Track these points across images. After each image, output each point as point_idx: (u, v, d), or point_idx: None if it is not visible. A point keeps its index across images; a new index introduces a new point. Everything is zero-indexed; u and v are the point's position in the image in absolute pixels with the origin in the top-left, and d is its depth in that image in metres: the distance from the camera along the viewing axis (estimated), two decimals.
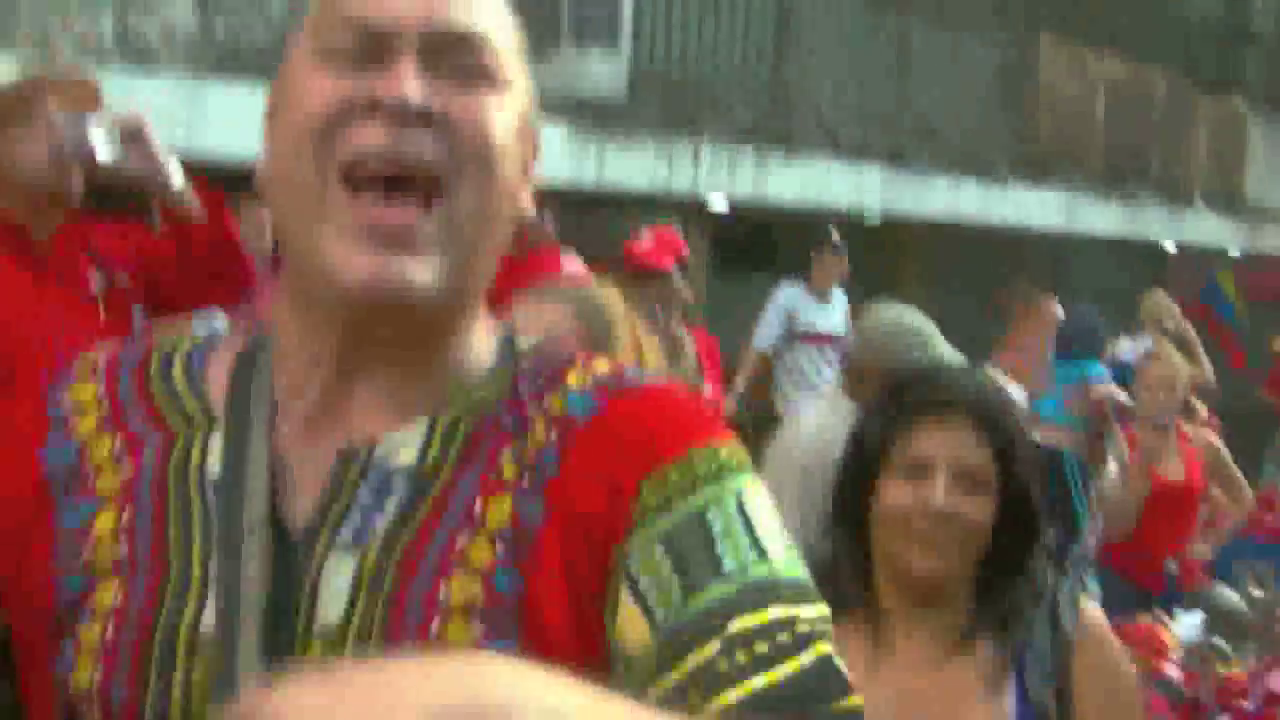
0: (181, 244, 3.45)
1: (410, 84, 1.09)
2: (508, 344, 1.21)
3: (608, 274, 5.01)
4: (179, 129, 6.85)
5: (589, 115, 8.92)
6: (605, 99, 9.13)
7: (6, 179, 3.33)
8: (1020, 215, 12.88)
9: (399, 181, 1.09)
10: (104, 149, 3.14)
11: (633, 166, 9.31)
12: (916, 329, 4.14)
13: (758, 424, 8.64)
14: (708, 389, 5.45)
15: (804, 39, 10.91)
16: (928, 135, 11.96)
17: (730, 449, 1.15)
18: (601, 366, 1.21)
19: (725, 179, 10.04)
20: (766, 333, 8.69)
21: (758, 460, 4.15)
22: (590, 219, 9.23)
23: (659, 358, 2.80)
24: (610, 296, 2.72)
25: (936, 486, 2.22)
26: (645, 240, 5.71)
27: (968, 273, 12.38)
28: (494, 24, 1.16)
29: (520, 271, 4.67)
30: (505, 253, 1.20)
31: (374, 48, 1.11)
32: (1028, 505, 2.27)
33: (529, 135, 1.20)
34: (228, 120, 6.88)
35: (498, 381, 1.18)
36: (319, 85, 1.12)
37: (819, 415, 4.22)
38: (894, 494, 2.25)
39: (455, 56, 1.12)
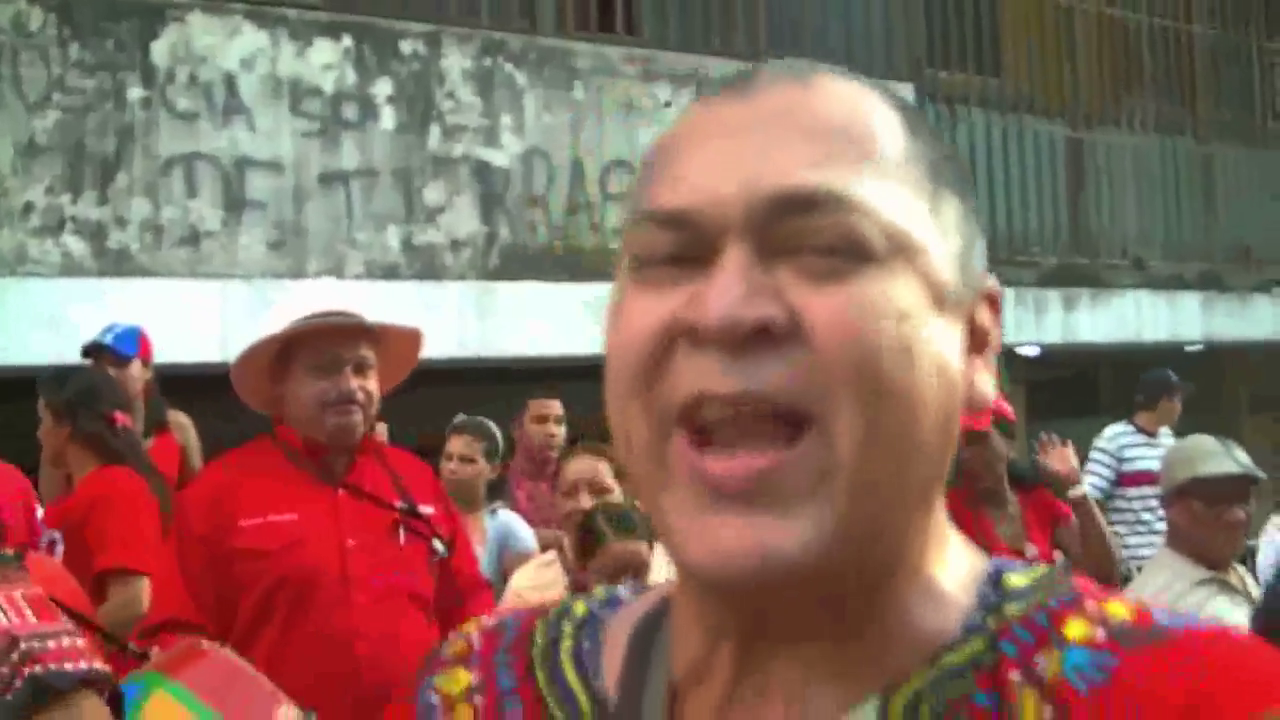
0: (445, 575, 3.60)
1: (726, 296, 0.80)
2: (992, 585, 0.90)
3: None
4: (470, 331, 7.06)
5: None
6: None
7: (296, 416, 3.48)
8: None
9: (759, 421, 0.81)
10: None
11: None
12: (1207, 446, 4.00)
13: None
14: (1033, 549, 5.21)
15: (1100, 172, 10.67)
16: (1242, 255, 11.50)
17: None
18: (1118, 610, 0.87)
19: (1033, 324, 9.79)
20: (1096, 477, 8.33)
21: None
22: None
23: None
24: None
25: None
26: None
27: None
28: (865, 171, 0.84)
29: None
30: (945, 467, 0.89)
31: (695, 241, 0.84)
32: None
33: (961, 300, 0.88)
34: (515, 320, 7.06)
35: (973, 641, 0.87)
36: (637, 309, 0.85)
37: (1154, 580, 4.00)
38: None
39: (805, 232, 0.82)
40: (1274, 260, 11.71)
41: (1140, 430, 8.31)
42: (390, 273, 7.04)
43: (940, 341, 0.85)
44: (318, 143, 6.95)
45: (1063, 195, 10.43)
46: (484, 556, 5.21)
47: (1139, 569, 5.27)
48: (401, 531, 3.52)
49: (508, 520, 5.68)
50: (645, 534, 3.70)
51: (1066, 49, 10.69)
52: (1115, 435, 8.34)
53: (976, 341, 0.90)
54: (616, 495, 4.09)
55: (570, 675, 0.97)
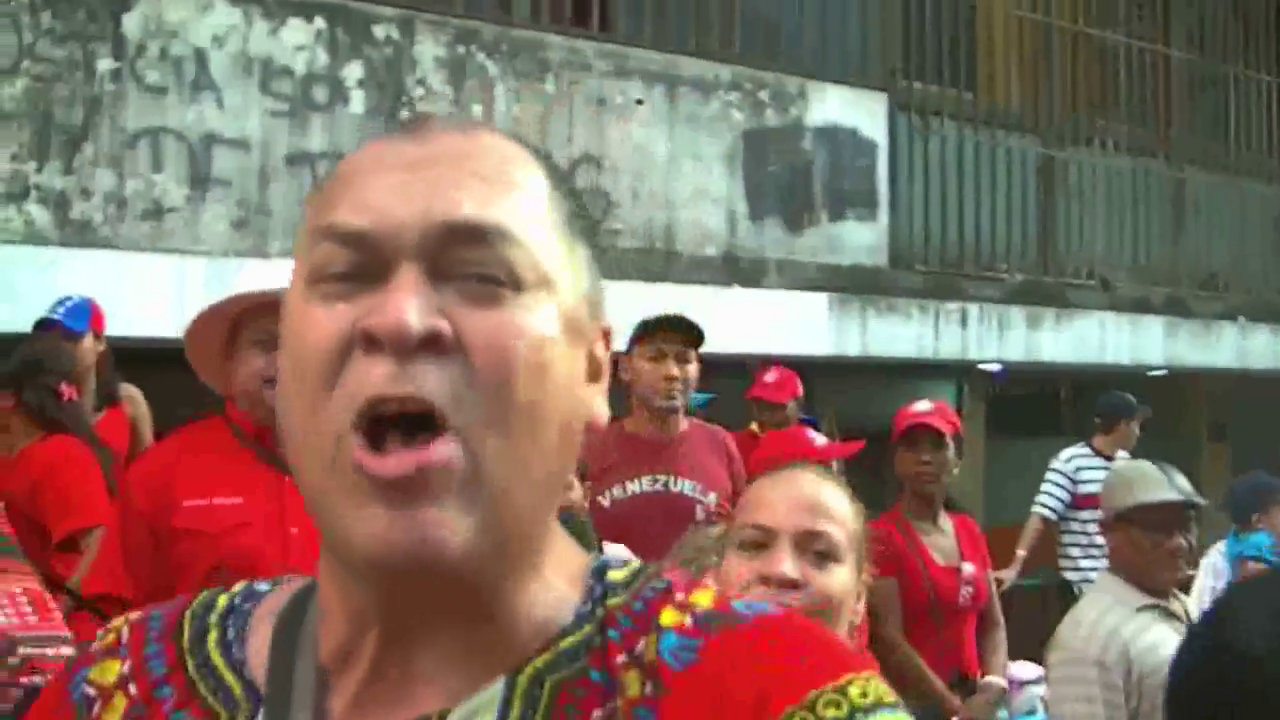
0: None
1: (403, 306, 0.91)
2: (598, 578, 1.03)
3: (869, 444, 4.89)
4: None
5: (850, 284, 8.86)
6: (866, 267, 9.06)
7: (239, 394, 3.44)
8: None
9: (424, 421, 0.91)
10: None
11: (897, 333, 9.18)
12: (1148, 472, 3.99)
13: (1045, 592, 8.35)
14: (970, 567, 5.21)
15: (1071, 191, 10.70)
16: (1209, 282, 11.55)
17: (864, 685, 0.94)
18: (703, 599, 1.01)
19: (996, 341, 9.82)
20: (1050, 499, 8.37)
21: (1049, 634, 3.99)
22: (856, 388, 9.13)
23: None
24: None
25: None
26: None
27: (1259, 423, 11.79)
28: (520, 213, 0.97)
29: (764, 452, 4.61)
30: (571, 470, 1.03)
31: (371, 260, 0.94)
32: None
33: (585, 333, 1.01)
34: None
35: (585, 627, 1.00)
36: (313, 321, 0.94)
37: (1096, 605, 4.00)
38: None
39: (468, 259, 0.94)
40: (1241, 288, 11.77)
41: (1097, 453, 8.35)
42: None
43: (569, 366, 0.99)
44: (286, 123, 6.91)
45: (1032, 213, 10.45)
46: None
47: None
48: None
49: None
50: (587, 543, 3.68)
51: (1043, 66, 10.72)
52: (1071, 457, 8.38)
53: (594, 371, 1.04)
54: (576, 492, 4.07)
55: (219, 663, 1.04)
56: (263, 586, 1.11)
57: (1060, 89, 10.82)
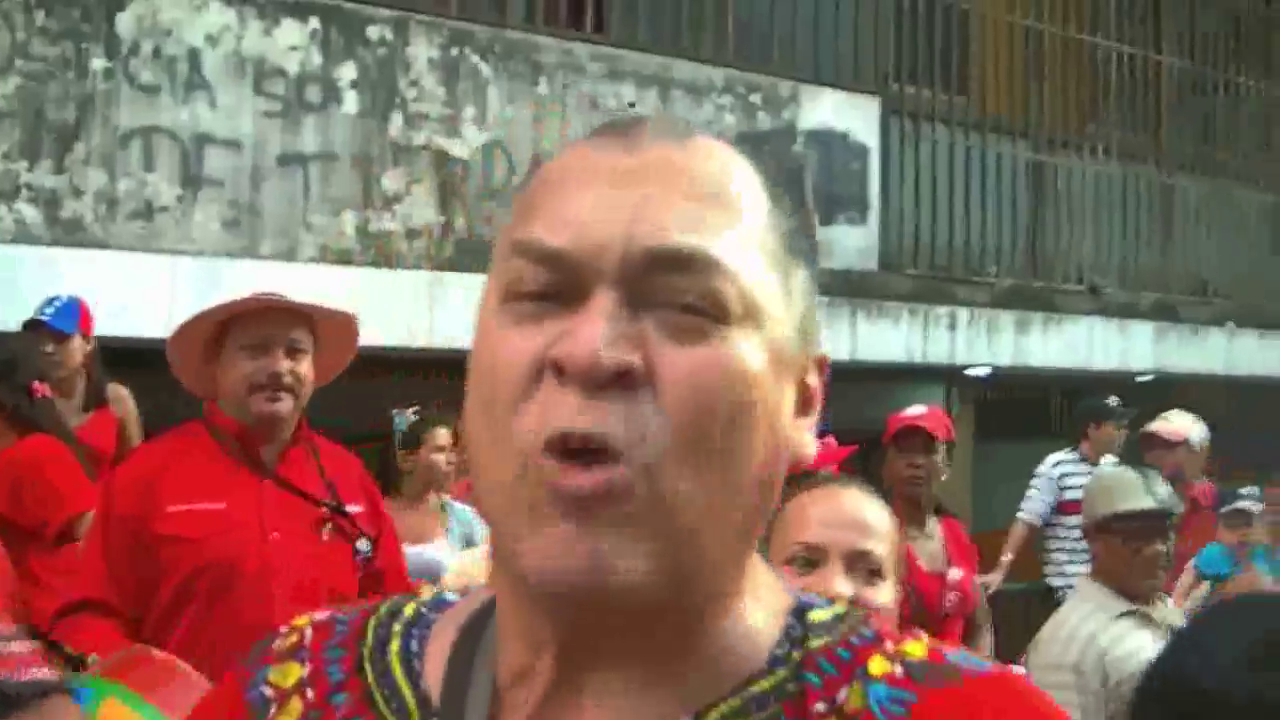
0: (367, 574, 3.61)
1: (595, 337, 0.85)
2: (798, 619, 0.96)
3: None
4: (420, 321, 7.06)
5: (840, 287, 8.88)
6: (856, 270, 9.08)
7: (225, 398, 3.46)
8: None
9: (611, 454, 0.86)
10: None
11: (886, 337, 9.20)
12: (1127, 479, 4.03)
13: (1029, 598, 8.37)
14: (957, 572, 5.22)
15: (1061, 196, 10.73)
16: (1198, 288, 11.58)
17: None
18: (915, 650, 0.93)
19: (985, 345, 9.84)
20: (1035, 504, 8.38)
21: (1029, 639, 4.02)
22: (845, 392, 9.14)
23: None
24: None
25: None
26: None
27: (1247, 429, 11.82)
28: (732, 239, 0.89)
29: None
30: (772, 505, 0.96)
31: (567, 281, 0.88)
32: None
33: (795, 363, 0.94)
34: (468, 311, 7.04)
35: (779, 671, 0.92)
36: (505, 341, 0.89)
37: (1077, 611, 4.03)
38: None
39: (671, 288, 0.87)
40: (1229, 295, 11.79)
41: (1083, 458, 8.36)
42: (344, 258, 7.02)
43: (774, 403, 0.92)
44: (278, 123, 6.91)
45: (1022, 217, 10.47)
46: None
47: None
48: (326, 529, 3.51)
49: (468, 513, 5.66)
50: None
51: (1034, 71, 10.74)
52: (1057, 463, 8.38)
53: (804, 403, 0.97)
54: None
55: (397, 673, 1.00)
56: (451, 596, 1.06)
57: (1051, 94, 10.83)
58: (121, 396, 5.70)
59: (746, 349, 0.89)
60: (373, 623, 1.04)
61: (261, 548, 3.39)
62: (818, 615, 0.96)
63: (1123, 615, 3.91)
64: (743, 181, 0.94)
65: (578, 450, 0.86)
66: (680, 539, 0.87)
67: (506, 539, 0.89)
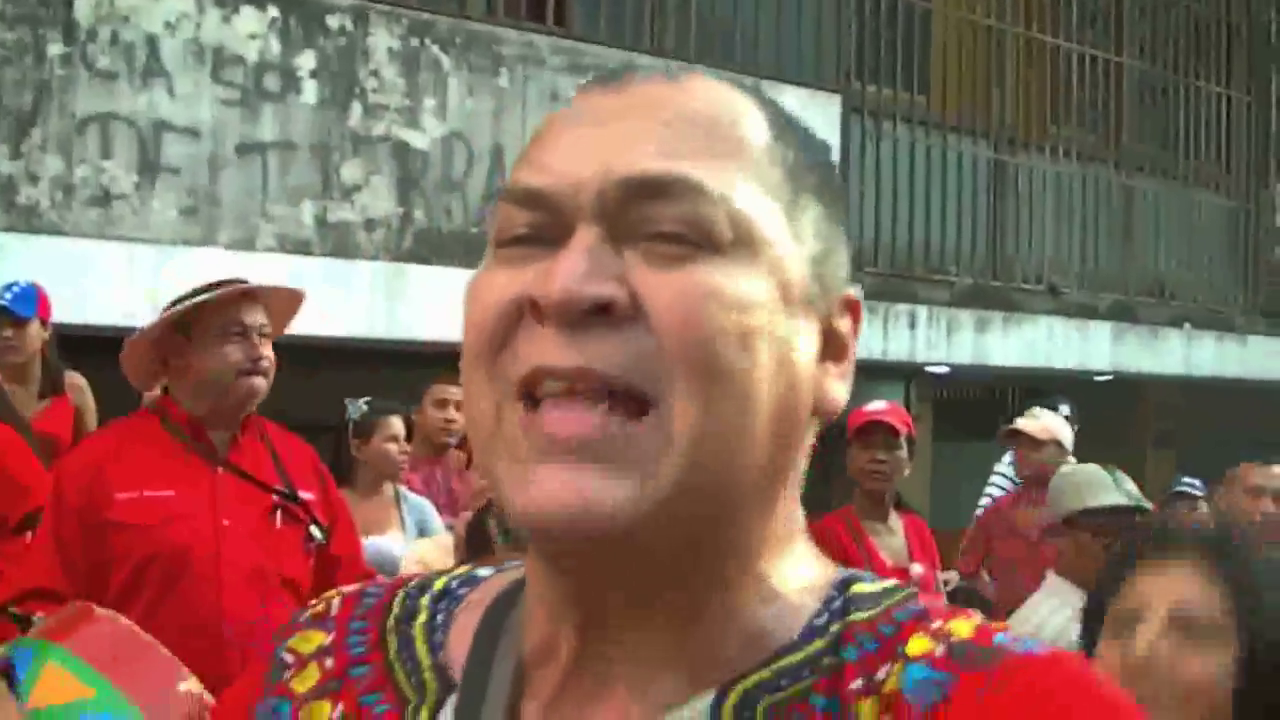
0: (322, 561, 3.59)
1: (568, 273, 0.82)
2: (839, 591, 0.91)
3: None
4: (379, 312, 7.02)
5: None
6: None
7: (200, 384, 3.45)
8: (1262, 368, 12.37)
9: (594, 397, 0.83)
10: None
11: None
12: (1095, 476, 4.04)
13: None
14: (919, 567, 5.23)
15: (1021, 196, 10.77)
16: (1157, 289, 11.65)
17: None
18: (962, 628, 0.86)
19: (944, 343, 9.87)
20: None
21: None
22: None
23: None
24: None
25: (1140, 635, 1.94)
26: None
27: (1203, 429, 11.91)
28: (717, 163, 0.86)
29: None
30: (802, 462, 0.92)
31: (550, 222, 0.86)
32: None
33: (816, 301, 0.89)
34: (426, 303, 7.03)
35: (815, 642, 0.87)
36: (491, 284, 0.87)
37: (1046, 604, 4.03)
38: (1105, 657, 1.97)
39: (652, 218, 0.84)
40: (1188, 296, 11.86)
41: None
42: (302, 248, 6.97)
43: (785, 338, 0.86)
44: (237, 112, 6.86)
45: (982, 217, 10.51)
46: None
47: None
48: (279, 515, 3.50)
49: (422, 503, 5.64)
50: None
51: (995, 72, 10.78)
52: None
53: (834, 349, 0.92)
54: None
55: (420, 647, 0.97)
56: (484, 572, 1.03)
57: (1012, 95, 10.88)
58: (79, 386, 5.65)
59: (741, 276, 0.84)
60: (401, 596, 1.02)
61: (213, 535, 3.38)
62: (862, 588, 0.91)
63: None
64: (738, 111, 0.91)
65: (562, 392, 0.83)
66: (683, 474, 0.82)
67: (498, 491, 0.86)
